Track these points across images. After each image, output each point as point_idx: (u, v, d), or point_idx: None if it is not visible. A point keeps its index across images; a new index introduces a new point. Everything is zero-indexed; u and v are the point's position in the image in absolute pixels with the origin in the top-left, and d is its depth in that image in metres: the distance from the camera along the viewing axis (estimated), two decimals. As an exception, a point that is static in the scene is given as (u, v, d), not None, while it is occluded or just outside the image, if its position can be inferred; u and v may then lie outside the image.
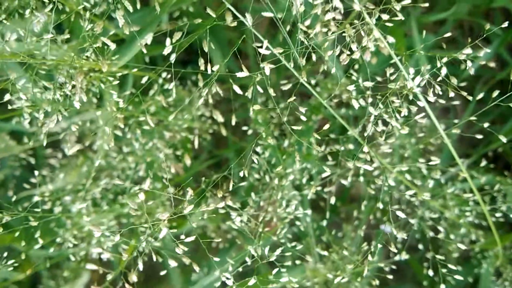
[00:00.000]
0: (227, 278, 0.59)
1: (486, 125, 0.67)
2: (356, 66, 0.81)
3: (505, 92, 0.67)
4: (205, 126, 0.99)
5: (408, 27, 1.23)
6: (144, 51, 0.56)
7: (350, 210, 1.16)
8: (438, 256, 0.74)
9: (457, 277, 0.72)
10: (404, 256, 0.79)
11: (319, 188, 0.85)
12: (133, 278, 0.49)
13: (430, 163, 0.67)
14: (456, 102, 0.81)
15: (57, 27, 0.67)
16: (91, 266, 0.51)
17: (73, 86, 0.60)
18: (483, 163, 0.93)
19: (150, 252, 0.65)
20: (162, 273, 0.80)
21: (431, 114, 0.60)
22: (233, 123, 0.56)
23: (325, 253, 0.78)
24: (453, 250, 1.02)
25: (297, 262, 0.81)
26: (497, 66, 1.42)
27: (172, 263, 0.55)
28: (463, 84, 0.86)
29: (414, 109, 0.60)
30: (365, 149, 0.59)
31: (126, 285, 0.52)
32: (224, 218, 1.16)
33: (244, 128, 1.01)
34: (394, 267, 0.80)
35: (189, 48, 0.71)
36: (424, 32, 0.74)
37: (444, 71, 0.55)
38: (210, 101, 0.61)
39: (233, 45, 0.63)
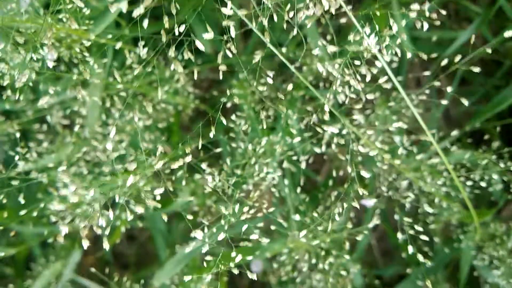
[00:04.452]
0: (196, 232, 0.62)
1: (449, 89, 0.69)
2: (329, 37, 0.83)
3: (486, 71, 0.69)
4: (188, 101, 1.01)
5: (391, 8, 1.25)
6: (125, 9, 0.58)
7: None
8: (406, 219, 0.77)
9: (423, 237, 0.74)
10: (376, 221, 0.81)
11: (295, 158, 0.88)
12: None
13: (398, 125, 0.69)
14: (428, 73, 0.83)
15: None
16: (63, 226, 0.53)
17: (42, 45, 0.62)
18: (454, 132, 0.95)
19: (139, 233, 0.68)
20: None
21: (391, 76, 0.63)
22: (195, 77, 0.59)
23: (297, 217, 0.81)
24: (430, 222, 1.05)
25: (272, 227, 0.83)
26: (480, 45, 1.44)
27: (139, 210, 0.58)
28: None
29: (374, 71, 0.62)
30: (326, 108, 0.62)
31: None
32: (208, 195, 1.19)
33: (228, 106, 1.04)
34: (366, 232, 0.82)
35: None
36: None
37: (395, 28, 0.57)
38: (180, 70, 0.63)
39: (221, 27, 0.65)
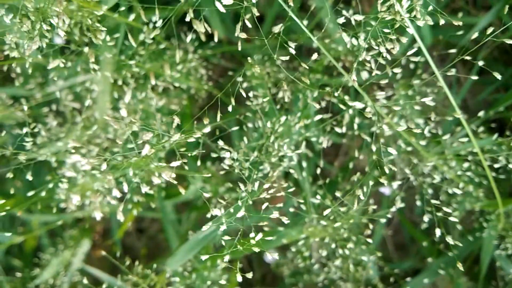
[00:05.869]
0: (215, 209, 0.59)
1: (480, 63, 0.65)
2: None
3: (505, 59, 0.65)
4: (200, 84, 0.98)
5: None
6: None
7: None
8: (434, 201, 0.73)
9: (452, 219, 0.71)
10: (399, 204, 0.78)
11: (314, 139, 0.84)
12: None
13: (427, 99, 0.65)
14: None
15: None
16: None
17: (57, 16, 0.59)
18: (480, 113, 0.91)
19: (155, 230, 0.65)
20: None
21: (421, 46, 0.59)
22: (215, 39, 0.56)
23: (317, 199, 0.77)
24: (453, 210, 1.01)
25: (291, 209, 0.80)
26: (499, 33, 1.40)
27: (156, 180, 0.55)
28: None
29: (404, 40, 0.59)
30: (353, 77, 0.58)
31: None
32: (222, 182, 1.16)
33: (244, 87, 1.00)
34: (390, 216, 0.78)
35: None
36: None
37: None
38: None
39: (237, 16, 0.62)
